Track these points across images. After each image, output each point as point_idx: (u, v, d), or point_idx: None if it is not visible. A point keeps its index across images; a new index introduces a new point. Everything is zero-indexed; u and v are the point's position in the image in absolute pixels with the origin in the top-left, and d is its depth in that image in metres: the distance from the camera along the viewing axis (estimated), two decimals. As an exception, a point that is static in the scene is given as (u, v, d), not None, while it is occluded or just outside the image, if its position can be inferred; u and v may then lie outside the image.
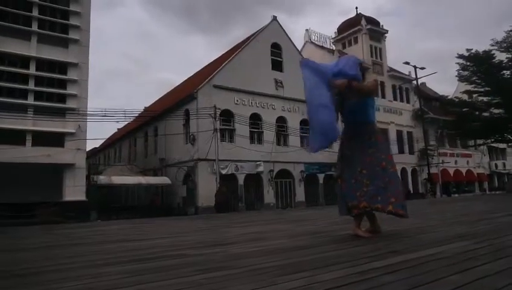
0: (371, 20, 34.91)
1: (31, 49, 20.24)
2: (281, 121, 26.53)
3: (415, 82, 32.00)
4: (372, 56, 33.93)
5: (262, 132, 25.22)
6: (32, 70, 20.20)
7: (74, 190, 20.05)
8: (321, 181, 27.82)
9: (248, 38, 27.64)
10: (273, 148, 25.27)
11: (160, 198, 26.13)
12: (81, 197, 20.16)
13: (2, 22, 19.77)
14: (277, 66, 26.73)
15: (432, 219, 5.38)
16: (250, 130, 24.62)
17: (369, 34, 33.90)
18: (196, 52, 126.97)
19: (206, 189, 21.06)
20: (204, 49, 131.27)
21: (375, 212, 3.01)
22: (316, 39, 34.11)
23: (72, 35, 21.38)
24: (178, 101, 26.13)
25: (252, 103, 24.94)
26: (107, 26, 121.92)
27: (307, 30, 34.59)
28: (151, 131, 29.54)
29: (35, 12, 20.70)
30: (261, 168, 24.38)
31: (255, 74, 24.77)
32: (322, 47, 33.71)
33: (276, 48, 27.04)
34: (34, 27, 20.60)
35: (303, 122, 28.06)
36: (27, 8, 20.60)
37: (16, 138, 19.04)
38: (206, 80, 24.21)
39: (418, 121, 33.76)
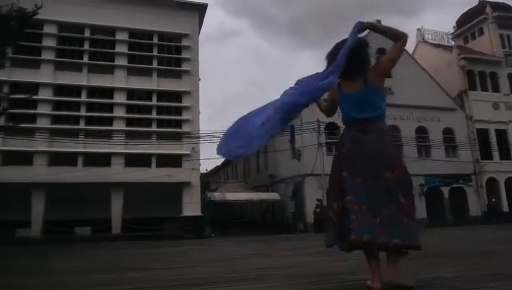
0: (498, 6, 29.93)
1: (152, 83, 23.24)
2: (393, 131, 24.46)
3: None
4: (504, 47, 29.02)
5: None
6: (154, 101, 23.11)
7: (191, 206, 21.89)
8: (446, 195, 24.52)
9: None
10: (385, 159, 23.41)
11: (271, 214, 26.62)
12: (197, 212, 21.87)
13: (131, 64, 23.24)
14: (385, 72, 24.94)
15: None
16: (357, 142, 23.31)
17: (497, 22, 29.07)
18: (307, 67, 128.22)
19: (314, 205, 20.58)
20: (313, 63, 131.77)
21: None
22: (430, 38, 30.86)
23: (184, 67, 23.84)
24: (283, 118, 26.48)
25: (358, 113, 23.69)
26: (227, 54, 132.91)
27: (418, 29, 31.58)
28: (262, 148, 30.52)
29: (155, 52, 23.78)
30: (372, 182, 22.75)
31: (361, 83, 23.54)
32: (437, 45, 30.28)
33: (382, 53, 25.30)
34: (155, 64, 23.64)
35: (419, 130, 25.42)
36: (149, 49, 23.84)
37: (143, 160, 21.85)
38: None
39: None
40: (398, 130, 24.55)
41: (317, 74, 2.32)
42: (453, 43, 31.02)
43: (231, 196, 24.94)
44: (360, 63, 2.43)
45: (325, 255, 5.07)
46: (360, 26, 2.41)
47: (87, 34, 23.06)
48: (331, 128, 23.00)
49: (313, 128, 22.53)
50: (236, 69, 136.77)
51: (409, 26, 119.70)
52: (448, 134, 26.03)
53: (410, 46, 29.52)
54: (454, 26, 32.44)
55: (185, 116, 23.29)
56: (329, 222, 2.29)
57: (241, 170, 35.85)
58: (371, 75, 2.39)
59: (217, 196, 24.52)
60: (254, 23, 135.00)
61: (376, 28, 2.46)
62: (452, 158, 25.31)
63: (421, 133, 25.43)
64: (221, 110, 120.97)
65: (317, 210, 15.87)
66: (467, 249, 6.00)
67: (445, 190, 24.50)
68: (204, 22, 26.38)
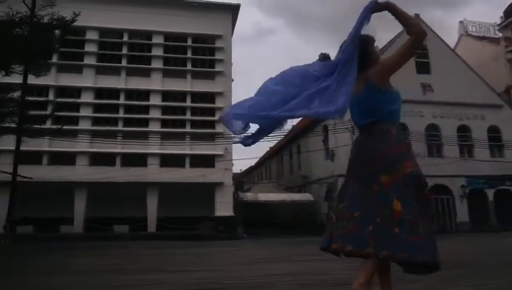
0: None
1: (186, 84, 23.76)
2: (432, 129, 23.42)
3: None
4: (560, 38, 26.86)
5: (409, 143, 22.68)
6: (188, 102, 23.62)
7: (223, 206, 22.14)
8: (491, 198, 23.08)
9: (391, 41, 25.79)
10: (424, 160, 22.39)
11: (304, 215, 26.30)
12: (230, 213, 22.08)
13: (166, 66, 23.90)
14: (423, 68, 23.94)
15: None
16: (394, 142, 22.53)
17: (552, 11, 26.98)
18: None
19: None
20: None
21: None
22: (474, 30, 29.16)
23: (218, 68, 24.17)
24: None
25: (395, 112, 22.89)
26: (262, 53, 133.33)
27: (461, 22, 29.95)
28: (295, 148, 30.32)
29: (189, 54, 24.30)
30: (409, 183, 21.87)
31: (397, 80, 22.55)
32: (482, 38, 28.54)
33: (420, 49, 24.32)
34: (189, 66, 24.15)
35: (461, 129, 24.11)
36: (184, 51, 24.40)
37: (177, 161, 22.39)
38: (344, 93, 23.55)
39: None
40: (438, 129, 23.45)
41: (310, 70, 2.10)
42: (500, 34, 29.13)
43: (264, 197, 24.94)
44: (364, 63, 2.12)
45: (349, 261, 4.92)
46: (373, 6, 2.05)
47: (125, 38, 24.00)
48: (365, 127, 22.40)
49: (346, 128, 22.01)
50: (271, 68, 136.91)
51: (452, 19, 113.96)
52: (494, 133, 24.46)
53: (452, 40, 28.15)
54: (501, 17, 30.42)
55: (218, 117, 23.60)
56: (328, 223, 2.18)
57: (274, 170, 35.78)
58: (373, 72, 2.11)
59: (249, 196, 24.63)
60: (290, 21, 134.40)
61: (395, 9, 2.05)
62: (498, 158, 23.76)
63: (463, 132, 24.10)
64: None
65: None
66: (502, 259, 5.59)
67: (490, 192, 23.03)
68: (238, 22, 26.63)
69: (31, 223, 20.21)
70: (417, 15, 24.88)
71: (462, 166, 22.11)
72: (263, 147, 48.16)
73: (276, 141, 34.14)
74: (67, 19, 12.49)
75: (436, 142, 23.35)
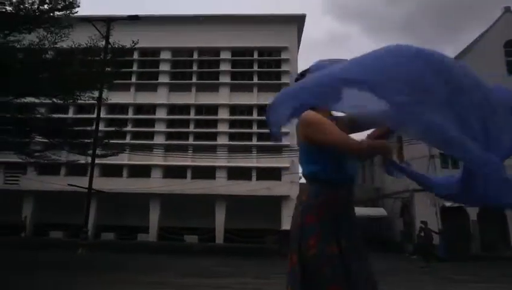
0: None
1: (253, 98, 24.04)
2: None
3: None
4: None
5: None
6: (254, 115, 23.85)
7: (290, 220, 21.62)
8: None
9: (475, 40, 23.44)
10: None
11: (377, 230, 24.69)
12: (296, 227, 21.53)
13: (233, 81, 24.52)
14: (517, 68, 21.14)
15: None
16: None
17: None
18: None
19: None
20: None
21: None
22: None
23: (284, 80, 24.05)
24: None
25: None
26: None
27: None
28: (368, 160, 28.82)
29: (255, 67, 24.63)
30: (501, 200, 19.26)
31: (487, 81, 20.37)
32: None
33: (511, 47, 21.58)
34: (255, 79, 24.46)
35: None
36: (250, 65, 24.83)
37: (244, 174, 22.65)
38: (419, 101, 21.85)
39: None
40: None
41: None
42: None
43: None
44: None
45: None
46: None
47: (195, 56, 25.19)
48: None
49: (423, 138, 20.25)
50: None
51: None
52: None
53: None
54: None
55: (284, 129, 23.38)
56: None
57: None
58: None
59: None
60: (364, 25, 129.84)
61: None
62: None
63: None
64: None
65: (421, 234, 13.65)
66: None
67: None
68: (311, 30, 26.32)
69: (112, 230, 22.05)
70: (507, 8, 22.19)
71: None
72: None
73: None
74: (127, 47, 13.41)
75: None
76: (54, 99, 12.86)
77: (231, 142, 23.53)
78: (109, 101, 18.28)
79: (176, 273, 8.52)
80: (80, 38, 11.92)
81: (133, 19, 15.77)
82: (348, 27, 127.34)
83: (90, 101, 14.27)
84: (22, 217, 22.03)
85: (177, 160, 22.82)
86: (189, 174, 23.07)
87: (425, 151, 19.97)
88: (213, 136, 23.85)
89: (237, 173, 22.79)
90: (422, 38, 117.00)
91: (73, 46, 12.27)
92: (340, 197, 1.67)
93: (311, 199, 1.69)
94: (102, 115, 22.24)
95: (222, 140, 23.66)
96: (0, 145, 13.85)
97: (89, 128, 14.66)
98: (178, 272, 8.79)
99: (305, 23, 25.32)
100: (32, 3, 9.54)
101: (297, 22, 24.95)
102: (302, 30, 25.73)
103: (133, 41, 12.99)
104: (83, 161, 15.95)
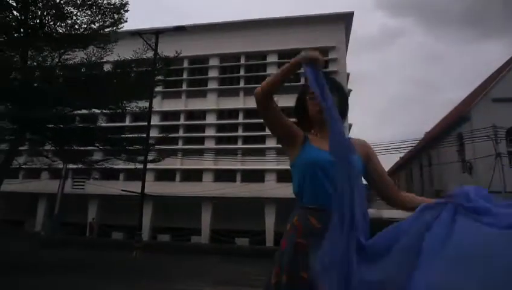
0: None
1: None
2: None
3: None
4: None
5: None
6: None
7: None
8: None
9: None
10: None
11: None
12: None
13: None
14: None
15: None
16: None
17: None
18: (493, 56, 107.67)
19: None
20: (503, 51, 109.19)
21: None
22: None
23: (332, 80, 23.50)
24: (450, 124, 23.02)
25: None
26: (391, 58, 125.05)
27: None
28: (425, 160, 27.18)
29: (302, 69, 24.30)
30: None
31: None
32: None
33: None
34: (302, 81, 24.14)
35: None
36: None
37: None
38: (482, 94, 20.17)
39: None
40: None
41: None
42: None
43: (388, 213, 22.76)
44: None
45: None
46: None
47: (242, 61, 25.54)
48: (513, 134, 18.60)
49: (487, 136, 18.64)
50: (402, 70, 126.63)
51: None
52: None
53: None
54: None
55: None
56: None
57: (403, 183, 32.69)
58: None
59: (372, 212, 22.90)
60: (419, 19, 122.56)
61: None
62: None
63: None
64: (382, 118, 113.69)
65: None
66: None
67: None
68: (363, 26, 25.57)
69: (168, 232, 23.04)
70: None
71: None
72: (391, 158, 44.52)
73: (405, 152, 31.22)
74: (170, 56, 14.03)
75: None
76: (110, 110, 13.81)
77: (279, 145, 23.43)
78: (162, 109, 19.21)
79: (208, 281, 8.74)
80: (125, 52, 12.66)
81: (179, 30, 16.38)
82: (402, 22, 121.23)
83: (142, 110, 15.09)
84: (90, 219, 23.96)
85: (227, 164, 23.27)
86: (238, 178, 23.40)
87: (491, 149, 18.37)
88: (262, 139, 23.97)
89: (286, 176, 22.65)
90: (490, 27, 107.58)
91: (124, 59, 13.04)
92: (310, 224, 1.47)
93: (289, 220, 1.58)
94: (156, 122, 23.54)
95: (271, 143, 23.68)
96: (66, 155, 15.17)
97: (142, 135, 15.45)
98: (214, 279, 9.02)
99: (355, 20, 24.53)
100: (82, 24, 10.36)
101: (344, 20, 24.27)
102: (351, 28, 25.01)
103: (176, 52, 13.51)
104: (140, 166, 16.88)
